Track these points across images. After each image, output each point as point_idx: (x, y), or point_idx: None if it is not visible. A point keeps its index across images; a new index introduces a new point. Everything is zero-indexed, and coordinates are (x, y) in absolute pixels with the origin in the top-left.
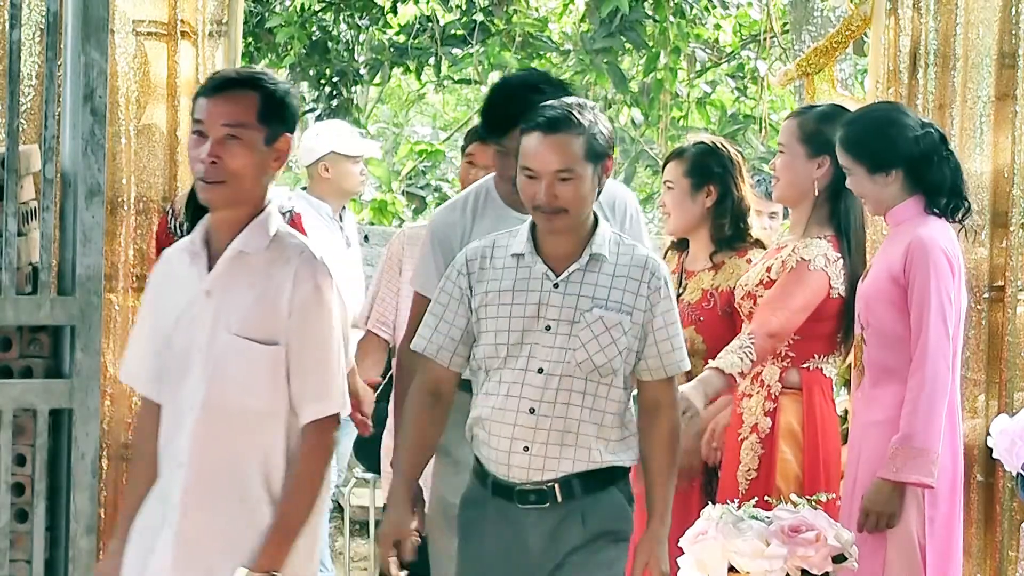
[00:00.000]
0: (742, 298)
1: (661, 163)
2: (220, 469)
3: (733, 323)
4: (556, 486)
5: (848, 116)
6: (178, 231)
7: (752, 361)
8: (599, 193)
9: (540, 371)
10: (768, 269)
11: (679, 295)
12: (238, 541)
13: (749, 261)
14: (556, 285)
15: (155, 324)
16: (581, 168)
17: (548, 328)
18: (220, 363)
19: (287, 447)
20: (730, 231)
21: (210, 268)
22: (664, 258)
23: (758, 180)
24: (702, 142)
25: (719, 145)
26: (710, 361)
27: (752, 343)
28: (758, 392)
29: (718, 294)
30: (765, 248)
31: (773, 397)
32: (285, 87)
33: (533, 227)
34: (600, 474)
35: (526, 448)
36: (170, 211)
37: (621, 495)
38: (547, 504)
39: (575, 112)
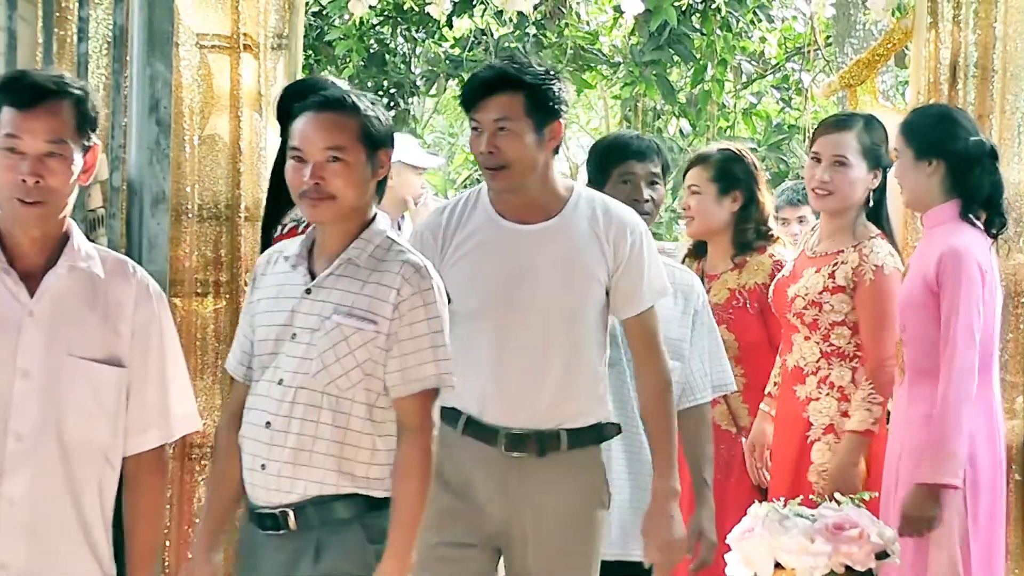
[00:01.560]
0: (804, 307)
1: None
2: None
3: (764, 319)
4: (291, 512)
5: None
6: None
7: (880, 404)
8: (380, 187)
9: (280, 382)
10: (831, 276)
11: None
12: None
13: (771, 256)
14: (308, 291)
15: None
16: (355, 152)
17: (293, 336)
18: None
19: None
20: (752, 235)
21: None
22: (682, 263)
23: (792, 188)
24: (727, 149)
25: (742, 152)
26: (759, 392)
27: (872, 388)
28: (827, 395)
29: (746, 292)
30: (776, 243)
31: (848, 397)
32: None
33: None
34: (341, 503)
35: (263, 466)
36: (289, 223)
37: (363, 532)
38: (282, 531)
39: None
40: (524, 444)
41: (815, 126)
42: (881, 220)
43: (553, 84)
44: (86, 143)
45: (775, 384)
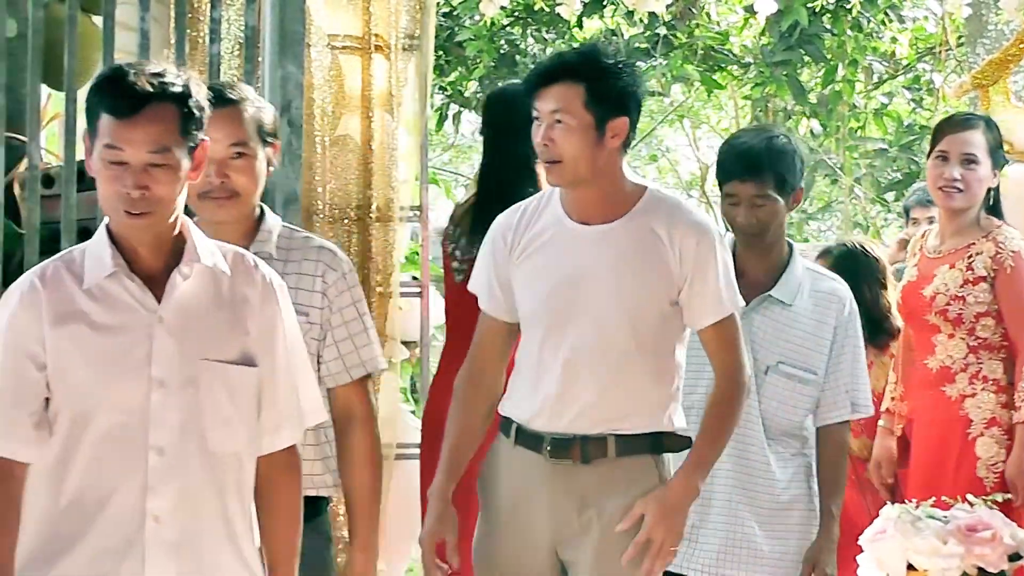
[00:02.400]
0: (947, 303)
1: (838, 169)
2: None
3: None
4: None
5: None
6: (458, 242)
7: None
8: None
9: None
10: (969, 267)
11: None
12: None
13: (892, 356)
14: None
15: None
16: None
17: None
18: None
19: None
20: (867, 330)
21: None
22: None
23: (922, 188)
24: (844, 245)
25: (865, 249)
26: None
27: None
28: (983, 389)
29: (873, 396)
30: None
31: (1004, 389)
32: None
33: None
34: None
35: None
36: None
37: (321, 536)
38: None
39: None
40: (568, 449)
41: (936, 126)
42: (997, 208)
43: (620, 77)
44: (192, 144)
45: (893, 399)
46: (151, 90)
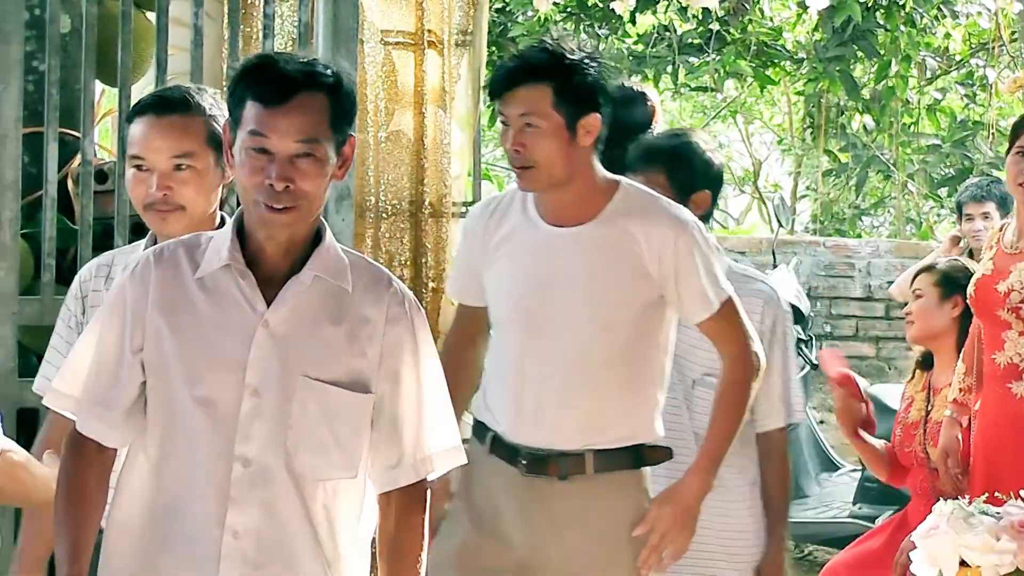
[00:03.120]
0: (1021, 301)
1: (891, 165)
2: None
3: None
4: None
5: None
6: None
7: None
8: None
9: None
10: None
11: (926, 414)
12: None
13: None
14: None
15: None
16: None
17: None
18: None
19: None
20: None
21: None
22: (911, 379)
23: (976, 184)
24: (955, 260)
25: (969, 268)
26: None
27: None
28: None
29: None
30: None
31: None
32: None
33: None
34: None
35: None
36: None
37: None
38: None
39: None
40: (544, 466)
41: (1016, 122)
42: None
43: (587, 73)
44: (341, 139)
45: (960, 390)
46: (301, 78)
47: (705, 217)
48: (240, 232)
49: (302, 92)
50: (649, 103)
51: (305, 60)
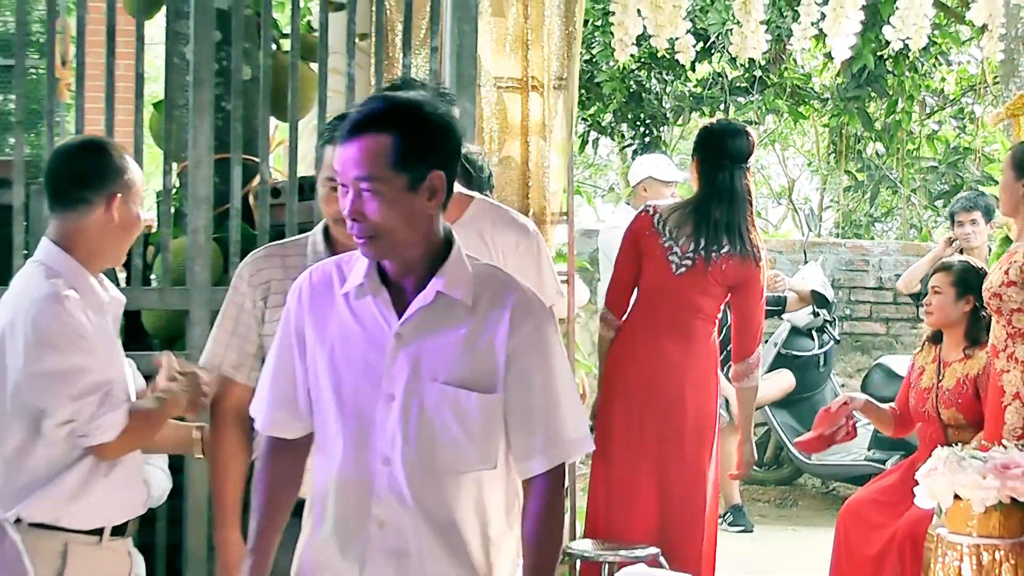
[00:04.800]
0: (990, 298)
1: (898, 183)
2: None
3: (980, 400)
4: None
5: None
6: (661, 226)
7: None
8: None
9: None
10: (1006, 272)
11: (939, 381)
12: None
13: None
14: None
15: None
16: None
17: None
18: None
19: None
20: (982, 334)
21: None
22: (920, 351)
23: (966, 196)
24: (967, 262)
25: (979, 267)
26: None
27: None
28: (1014, 368)
29: (969, 381)
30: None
31: None
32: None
33: None
34: None
35: None
36: (650, 210)
37: None
38: None
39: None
40: None
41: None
42: None
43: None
44: (416, 172)
45: None
46: (365, 120)
47: None
48: None
49: (367, 132)
50: (750, 137)
51: (388, 100)
